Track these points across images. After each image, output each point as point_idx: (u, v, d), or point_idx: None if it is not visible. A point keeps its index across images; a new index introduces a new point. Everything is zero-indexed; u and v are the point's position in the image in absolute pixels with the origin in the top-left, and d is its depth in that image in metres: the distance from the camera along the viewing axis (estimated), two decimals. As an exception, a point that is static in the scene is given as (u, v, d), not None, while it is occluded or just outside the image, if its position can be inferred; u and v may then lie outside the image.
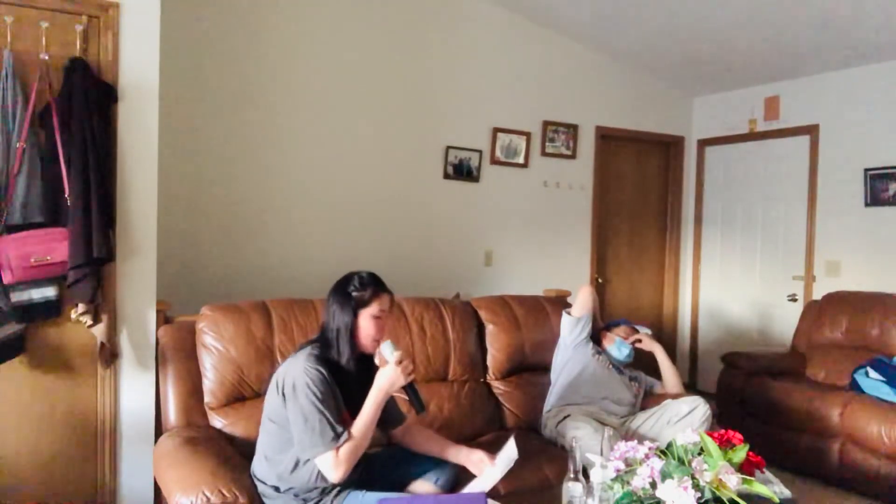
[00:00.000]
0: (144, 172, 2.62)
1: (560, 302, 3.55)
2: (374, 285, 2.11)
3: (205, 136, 3.73)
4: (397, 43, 4.32)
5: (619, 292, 5.44)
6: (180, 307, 2.88)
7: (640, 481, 1.71)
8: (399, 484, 2.17)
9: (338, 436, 1.93)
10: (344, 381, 2.04)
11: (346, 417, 2.01)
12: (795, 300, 4.92)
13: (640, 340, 3.30)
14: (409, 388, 2.09)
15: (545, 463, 2.59)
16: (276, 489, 2.05)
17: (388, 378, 2.03)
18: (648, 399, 3.17)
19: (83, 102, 2.37)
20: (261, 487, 2.08)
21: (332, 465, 1.94)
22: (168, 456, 2.19)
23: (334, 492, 2.03)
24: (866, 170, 4.48)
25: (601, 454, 2.08)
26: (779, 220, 5.10)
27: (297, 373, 1.97)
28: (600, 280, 5.28)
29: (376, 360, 2.16)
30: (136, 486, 2.64)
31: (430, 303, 3.08)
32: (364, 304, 2.08)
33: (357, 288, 2.09)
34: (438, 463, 2.21)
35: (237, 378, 2.51)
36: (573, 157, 5.05)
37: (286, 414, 1.98)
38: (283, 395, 1.99)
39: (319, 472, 1.99)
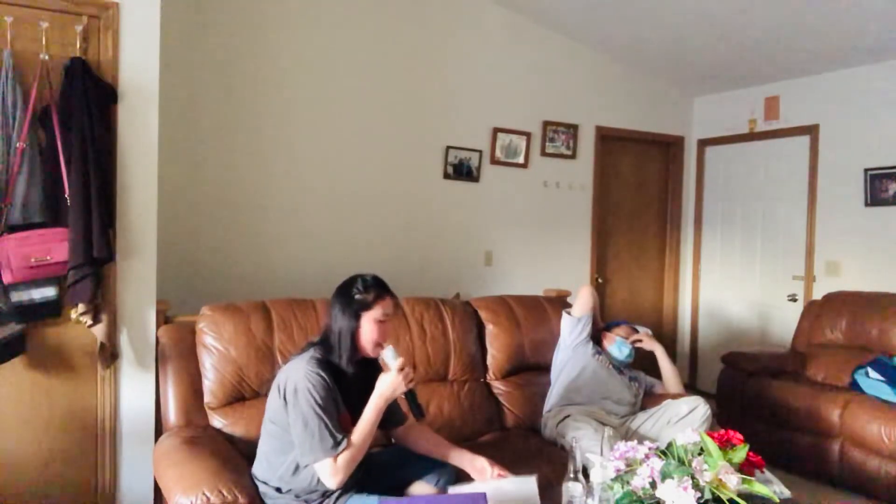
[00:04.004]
0: (144, 172, 2.62)
1: (560, 302, 3.55)
2: (377, 288, 2.10)
3: (205, 136, 3.73)
4: (397, 43, 4.32)
5: (619, 292, 5.44)
6: (180, 307, 2.88)
7: (640, 481, 1.71)
8: (400, 485, 2.16)
9: (337, 443, 1.92)
10: (345, 385, 2.04)
11: (345, 421, 2.00)
12: (795, 300, 4.92)
13: (640, 340, 3.30)
14: (410, 395, 2.08)
15: (545, 463, 2.59)
16: (278, 490, 2.05)
17: (389, 385, 2.02)
18: (648, 399, 3.17)
19: (83, 102, 2.37)
20: (262, 488, 2.07)
21: (331, 472, 1.93)
22: (168, 456, 2.19)
23: (335, 494, 2.03)
24: (866, 170, 4.48)
25: (601, 454, 2.08)
26: (779, 220, 5.10)
27: (298, 377, 1.96)
28: (600, 280, 5.28)
29: (381, 362, 2.15)
30: (136, 486, 2.64)
31: (430, 303, 3.09)
32: (367, 307, 2.07)
33: (360, 291, 2.08)
34: (439, 464, 2.20)
35: (237, 378, 2.51)
36: (573, 157, 5.05)
37: (287, 417, 1.98)
38: (285, 398, 1.98)
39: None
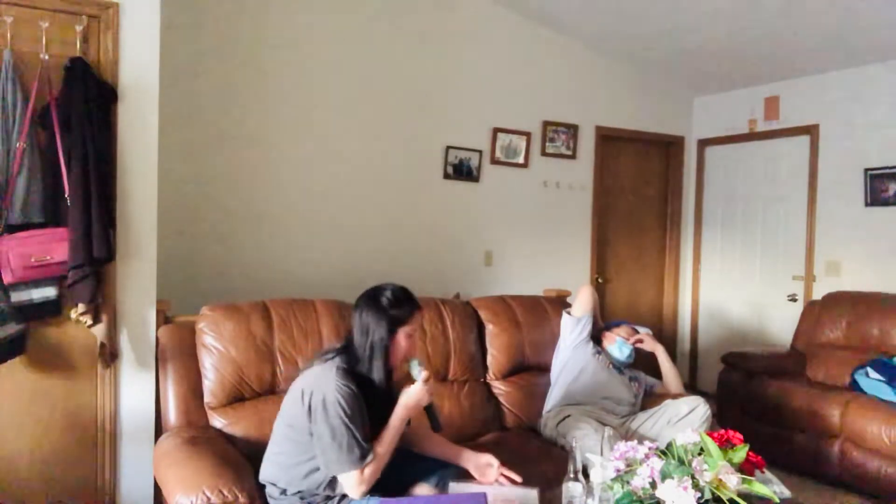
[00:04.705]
0: (144, 172, 2.62)
1: (560, 302, 3.55)
2: (411, 303, 2.10)
3: (205, 136, 3.73)
4: (397, 43, 4.32)
5: (619, 292, 5.44)
6: (180, 307, 2.87)
7: (640, 481, 1.71)
8: (402, 486, 2.16)
9: (364, 455, 1.93)
10: (370, 397, 2.04)
11: (366, 432, 2.00)
12: (795, 300, 4.92)
13: (641, 340, 3.30)
14: (430, 408, 2.12)
15: (545, 463, 2.59)
16: (283, 493, 2.05)
17: (415, 397, 2.05)
18: (648, 399, 3.17)
19: (83, 102, 2.37)
20: (269, 489, 2.08)
21: (356, 483, 1.94)
22: (168, 456, 2.19)
23: (339, 495, 2.04)
24: (866, 170, 4.48)
25: (601, 454, 2.08)
26: (779, 220, 5.10)
27: (328, 388, 1.95)
28: (600, 280, 5.28)
29: (414, 374, 2.15)
30: (136, 486, 2.64)
31: (430, 303, 3.08)
32: (402, 322, 2.07)
33: (393, 304, 2.06)
34: (442, 465, 2.20)
35: (237, 378, 2.51)
36: (573, 157, 5.05)
37: (309, 426, 1.97)
38: (310, 408, 1.96)
39: (331, 481, 2.00)
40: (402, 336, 2.07)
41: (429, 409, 2.12)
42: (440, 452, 2.25)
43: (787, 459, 3.75)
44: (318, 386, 1.97)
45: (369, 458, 1.94)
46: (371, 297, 2.09)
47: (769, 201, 5.18)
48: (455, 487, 2.08)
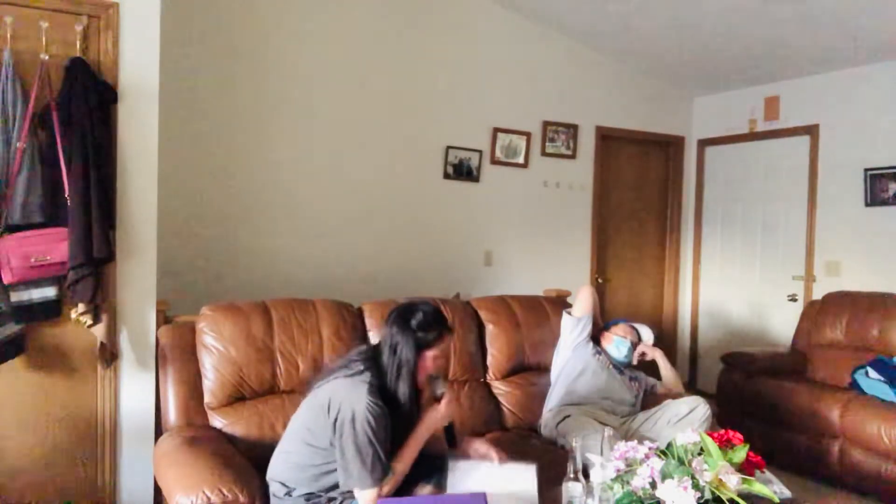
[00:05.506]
0: (144, 172, 2.62)
1: (560, 302, 3.55)
2: (439, 326, 2.11)
3: (205, 136, 3.73)
4: (397, 43, 4.32)
5: (619, 292, 5.44)
6: (180, 307, 2.88)
7: (640, 481, 1.71)
8: (402, 486, 2.16)
9: (385, 474, 1.95)
10: (395, 413, 2.04)
11: (387, 448, 2.01)
12: (795, 300, 4.92)
13: (644, 355, 3.29)
14: (450, 426, 2.17)
15: (545, 463, 2.58)
16: (289, 494, 2.06)
17: (439, 419, 2.10)
18: (648, 399, 3.17)
19: (83, 102, 2.37)
20: (274, 488, 2.08)
21: (373, 500, 1.95)
22: (168, 456, 2.19)
23: (341, 496, 2.05)
24: (866, 170, 4.48)
25: (601, 454, 2.08)
26: (779, 220, 5.10)
27: (358, 405, 1.94)
28: (600, 280, 5.28)
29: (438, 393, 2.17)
30: (136, 486, 2.64)
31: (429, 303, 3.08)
32: (429, 345, 2.08)
33: (422, 326, 2.07)
34: (442, 465, 2.20)
35: (237, 378, 2.51)
36: (573, 157, 5.05)
37: (331, 437, 1.98)
38: (336, 421, 1.96)
39: (335, 483, 2.01)
40: (428, 358, 2.08)
41: (449, 428, 2.16)
42: (438, 445, 2.26)
43: (787, 459, 3.75)
44: (346, 400, 1.97)
45: (389, 475, 1.96)
46: (402, 316, 2.10)
47: (769, 201, 5.18)
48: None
